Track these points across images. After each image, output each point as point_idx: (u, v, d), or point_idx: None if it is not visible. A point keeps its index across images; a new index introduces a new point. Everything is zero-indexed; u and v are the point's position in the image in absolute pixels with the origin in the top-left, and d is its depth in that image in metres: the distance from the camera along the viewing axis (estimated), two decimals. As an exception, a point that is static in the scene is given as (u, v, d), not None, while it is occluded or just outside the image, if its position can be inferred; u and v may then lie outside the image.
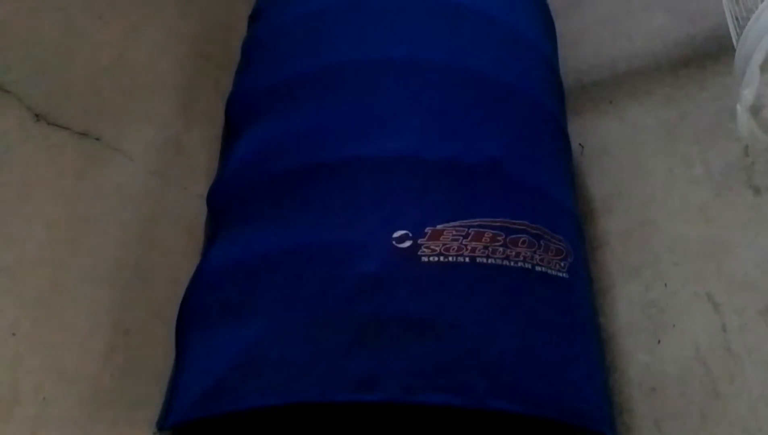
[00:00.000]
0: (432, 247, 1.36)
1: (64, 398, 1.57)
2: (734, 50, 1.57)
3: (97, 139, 1.93)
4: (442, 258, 1.35)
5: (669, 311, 1.78)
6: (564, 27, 2.27)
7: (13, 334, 1.59)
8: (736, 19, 1.45)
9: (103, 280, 1.76)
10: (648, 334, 1.78)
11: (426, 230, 1.37)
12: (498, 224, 1.41)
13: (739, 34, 1.42)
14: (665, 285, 1.82)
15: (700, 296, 1.76)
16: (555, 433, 1.48)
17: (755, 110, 1.43)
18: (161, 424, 1.41)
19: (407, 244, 1.36)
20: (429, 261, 1.35)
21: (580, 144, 2.17)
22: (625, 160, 2.09)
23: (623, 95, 2.23)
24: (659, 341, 1.75)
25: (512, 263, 1.39)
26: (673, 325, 1.76)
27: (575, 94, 2.25)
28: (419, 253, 1.35)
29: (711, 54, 2.14)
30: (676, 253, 1.85)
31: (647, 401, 1.69)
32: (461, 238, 1.38)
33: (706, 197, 1.89)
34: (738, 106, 1.35)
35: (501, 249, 1.39)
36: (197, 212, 1.92)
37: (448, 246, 1.36)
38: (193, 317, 1.49)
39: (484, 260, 1.37)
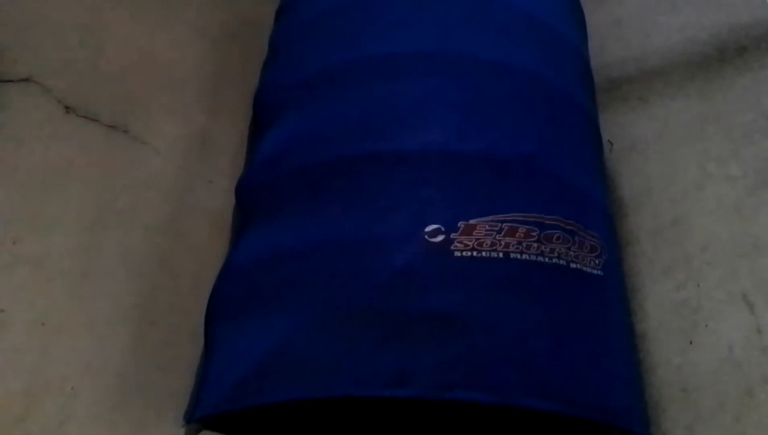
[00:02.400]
0: (465, 241, 1.33)
1: (92, 389, 1.58)
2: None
3: (125, 132, 1.94)
4: (475, 253, 1.33)
5: (701, 311, 1.75)
6: (593, 21, 2.24)
7: (42, 324, 1.60)
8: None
9: (130, 272, 1.77)
10: (680, 334, 1.74)
11: (459, 225, 1.35)
12: (532, 219, 1.39)
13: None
14: (698, 285, 1.78)
15: (734, 296, 1.73)
16: (589, 432, 1.45)
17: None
18: (189, 417, 1.40)
19: (439, 238, 1.34)
20: (462, 256, 1.32)
21: (609, 141, 2.14)
22: (655, 157, 2.05)
23: (654, 91, 2.19)
24: (691, 342, 1.72)
25: (547, 259, 1.36)
26: (706, 326, 1.72)
27: (604, 90, 2.22)
28: (452, 247, 1.33)
29: (744, 49, 2.10)
30: (709, 252, 1.81)
31: (679, 403, 1.66)
32: (495, 232, 1.35)
33: (740, 195, 1.86)
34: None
35: (535, 245, 1.36)
36: (223, 206, 1.92)
37: (481, 241, 1.34)
38: (222, 310, 1.48)
39: (518, 256, 1.34)
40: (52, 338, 1.60)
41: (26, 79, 1.81)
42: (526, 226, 1.38)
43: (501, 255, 1.34)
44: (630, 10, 2.41)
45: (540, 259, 1.36)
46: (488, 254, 1.33)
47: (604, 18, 2.41)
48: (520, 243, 1.36)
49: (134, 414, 1.59)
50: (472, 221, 1.36)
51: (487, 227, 1.36)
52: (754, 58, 2.07)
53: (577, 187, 1.55)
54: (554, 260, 1.37)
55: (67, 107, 1.85)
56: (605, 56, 2.32)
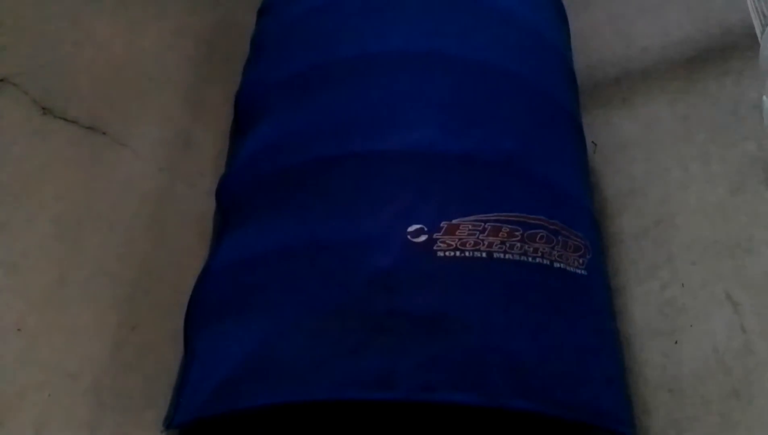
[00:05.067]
0: (448, 241, 1.33)
1: (70, 395, 1.55)
2: (751, 45, 1.54)
3: (104, 133, 1.91)
4: (458, 253, 1.32)
5: (686, 311, 1.74)
6: (576, 23, 2.24)
7: (19, 330, 1.57)
8: (761, 13, 1.42)
9: (110, 275, 1.74)
10: (664, 334, 1.74)
11: (442, 224, 1.34)
12: (515, 219, 1.38)
13: (764, 26, 1.39)
14: (682, 285, 1.78)
15: (718, 296, 1.73)
16: (573, 433, 1.44)
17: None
18: (168, 423, 1.37)
19: (422, 238, 1.33)
20: (445, 256, 1.31)
21: (593, 142, 2.14)
22: (639, 158, 2.06)
23: (637, 92, 2.20)
24: (676, 342, 1.72)
25: (530, 259, 1.36)
26: (691, 326, 1.72)
27: (588, 92, 2.22)
28: (435, 247, 1.32)
29: (727, 50, 2.11)
30: (693, 252, 1.82)
31: (664, 403, 1.65)
32: (478, 232, 1.34)
33: (723, 195, 1.86)
34: (765, 98, 1.32)
35: (519, 244, 1.36)
36: (205, 208, 1.89)
37: (464, 241, 1.33)
38: (203, 313, 1.45)
39: (502, 256, 1.34)
40: (29, 344, 1.57)
41: (2, 80, 1.78)
42: (510, 226, 1.37)
43: (484, 255, 1.33)
44: (613, 12, 2.42)
45: (523, 258, 1.35)
46: (471, 254, 1.32)
47: (587, 19, 2.42)
48: (503, 243, 1.35)
49: (113, 420, 1.56)
50: (455, 221, 1.35)
51: (470, 227, 1.35)
52: (736, 60, 2.09)
53: (560, 187, 1.55)
54: (538, 260, 1.36)
55: (44, 108, 1.82)
56: (588, 58, 2.32)
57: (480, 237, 1.34)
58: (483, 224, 1.36)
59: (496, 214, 1.38)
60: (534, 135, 1.59)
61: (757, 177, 1.84)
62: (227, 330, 1.37)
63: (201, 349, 1.39)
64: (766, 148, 1.86)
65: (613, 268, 1.89)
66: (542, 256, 1.37)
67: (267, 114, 1.65)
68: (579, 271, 1.43)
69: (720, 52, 2.13)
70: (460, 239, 1.33)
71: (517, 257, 1.35)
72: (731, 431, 1.56)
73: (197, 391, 1.32)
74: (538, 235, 1.39)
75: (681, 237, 1.85)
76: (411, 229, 1.34)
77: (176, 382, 1.45)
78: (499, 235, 1.36)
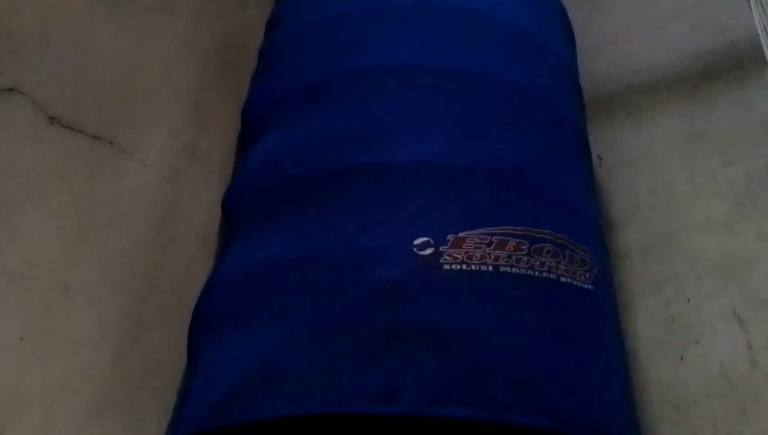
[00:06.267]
0: (454, 254, 1.32)
1: (71, 406, 1.54)
2: (758, 61, 1.54)
3: (111, 143, 1.91)
4: (464, 266, 1.31)
5: (692, 327, 1.73)
6: (582, 38, 2.25)
7: (21, 339, 1.55)
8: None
9: (113, 285, 1.73)
10: (670, 350, 1.73)
11: (448, 238, 1.34)
12: (521, 233, 1.38)
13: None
14: (688, 300, 1.77)
15: (724, 312, 1.72)
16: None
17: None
18: (171, 435, 1.36)
19: (428, 251, 1.33)
20: (451, 269, 1.31)
21: (598, 156, 2.14)
22: (644, 172, 2.06)
23: (642, 107, 2.20)
24: (682, 358, 1.71)
25: (537, 273, 1.35)
26: (697, 342, 1.71)
27: (593, 106, 2.22)
28: (441, 260, 1.32)
29: (731, 66, 2.11)
30: (699, 268, 1.81)
31: (670, 419, 1.64)
32: (484, 246, 1.34)
33: (729, 210, 1.86)
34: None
35: (525, 258, 1.35)
36: (210, 218, 1.89)
37: (470, 254, 1.33)
38: (207, 324, 1.45)
39: (508, 269, 1.33)
40: (31, 353, 1.55)
41: (10, 90, 1.78)
42: (516, 240, 1.36)
43: (491, 268, 1.32)
44: (619, 26, 2.43)
45: (530, 272, 1.35)
46: (478, 267, 1.32)
47: (593, 34, 2.43)
48: (509, 256, 1.34)
49: (114, 432, 1.55)
50: (461, 234, 1.35)
51: (477, 240, 1.34)
52: (740, 74, 2.09)
53: (566, 200, 1.54)
54: (544, 274, 1.36)
55: (51, 118, 1.81)
56: (594, 72, 2.33)
57: (486, 250, 1.34)
58: (490, 237, 1.35)
59: (502, 227, 1.37)
60: (540, 149, 1.59)
61: (763, 192, 1.84)
62: (232, 341, 1.36)
63: (205, 361, 1.39)
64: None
65: (619, 283, 1.88)
66: (549, 271, 1.37)
67: (273, 125, 1.65)
68: (586, 286, 1.42)
69: (726, 68, 2.13)
70: (466, 252, 1.33)
71: (523, 271, 1.34)
72: (738, 448, 1.54)
73: (201, 403, 1.32)
74: (545, 249, 1.39)
75: (686, 252, 1.85)
76: (417, 241, 1.34)
77: (180, 394, 1.44)
78: (506, 248, 1.35)
